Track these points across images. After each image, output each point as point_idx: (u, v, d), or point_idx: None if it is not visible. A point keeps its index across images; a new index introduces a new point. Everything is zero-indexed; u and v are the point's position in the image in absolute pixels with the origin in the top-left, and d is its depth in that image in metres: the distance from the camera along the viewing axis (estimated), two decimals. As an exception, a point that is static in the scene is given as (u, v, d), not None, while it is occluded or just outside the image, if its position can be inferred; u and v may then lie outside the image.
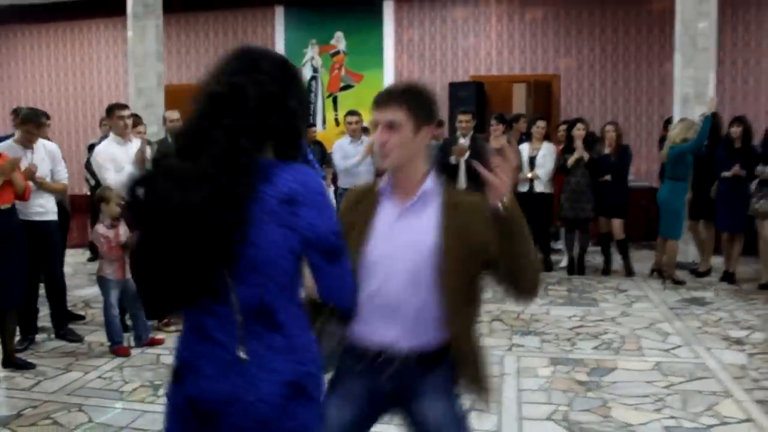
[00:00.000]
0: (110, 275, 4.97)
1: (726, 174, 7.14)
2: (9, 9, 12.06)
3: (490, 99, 10.90)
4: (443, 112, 10.60)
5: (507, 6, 10.99)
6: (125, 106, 5.72)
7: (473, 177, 6.88)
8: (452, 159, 7.03)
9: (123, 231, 4.98)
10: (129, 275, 4.94)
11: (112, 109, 5.66)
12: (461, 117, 7.30)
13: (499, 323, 5.71)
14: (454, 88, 10.68)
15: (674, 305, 6.36)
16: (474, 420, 3.63)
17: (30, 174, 4.87)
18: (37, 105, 11.55)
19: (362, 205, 2.10)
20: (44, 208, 5.15)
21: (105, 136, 7.59)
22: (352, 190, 2.23)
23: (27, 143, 5.05)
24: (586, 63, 10.83)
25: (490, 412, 3.80)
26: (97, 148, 5.74)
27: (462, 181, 7.01)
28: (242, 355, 1.56)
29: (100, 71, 12.19)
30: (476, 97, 10.49)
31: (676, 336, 5.40)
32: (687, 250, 7.96)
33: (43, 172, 5.07)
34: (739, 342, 5.26)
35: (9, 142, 5.12)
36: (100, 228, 5.01)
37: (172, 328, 5.44)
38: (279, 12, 11.56)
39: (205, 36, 11.79)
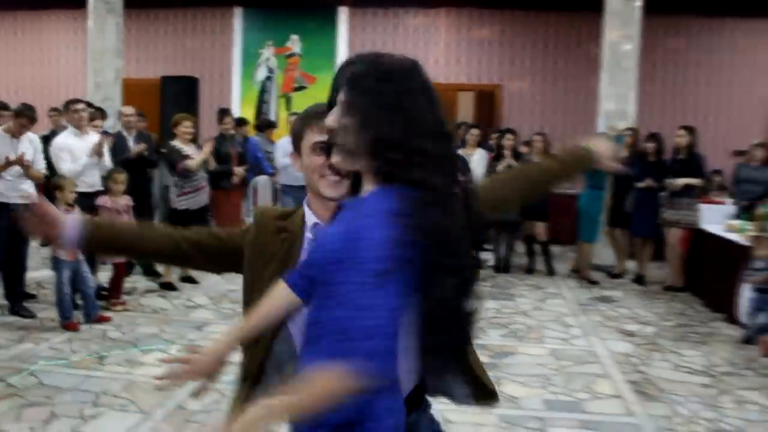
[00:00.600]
0: (63, 257, 5.40)
1: (640, 185, 7.83)
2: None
3: (436, 105, 11.49)
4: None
5: (456, 18, 11.60)
6: (80, 101, 6.17)
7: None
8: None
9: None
10: (81, 257, 5.40)
11: (69, 104, 6.12)
12: None
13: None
14: (402, 93, 11.22)
15: (584, 302, 7.01)
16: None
17: (20, 162, 5.35)
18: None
19: (283, 237, 1.78)
20: (27, 192, 5.59)
21: (55, 128, 8.01)
22: (268, 215, 1.86)
23: (17, 134, 5.54)
24: (529, 75, 11.50)
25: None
26: (56, 139, 6.18)
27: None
28: None
29: (59, 62, 12.46)
30: (422, 103, 11.04)
31: (577, 328, 6.04)
32: (605, 253, 8.63)
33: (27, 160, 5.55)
34: (631, 334, 5.92)
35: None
36: None
37: (119, 307, 5.91)
38: (238, 12, 11.98)
39: (164, 33, 12.15)
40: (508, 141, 8.13)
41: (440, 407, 3.90)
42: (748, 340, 5.80)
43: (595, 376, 4.82)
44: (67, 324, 5.36)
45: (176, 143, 6.86)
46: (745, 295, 6.03)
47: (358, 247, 1.35)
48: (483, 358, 4.89)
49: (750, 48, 11.27)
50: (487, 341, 5.50)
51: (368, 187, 1.49)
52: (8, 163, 5.39)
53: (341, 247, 1.37)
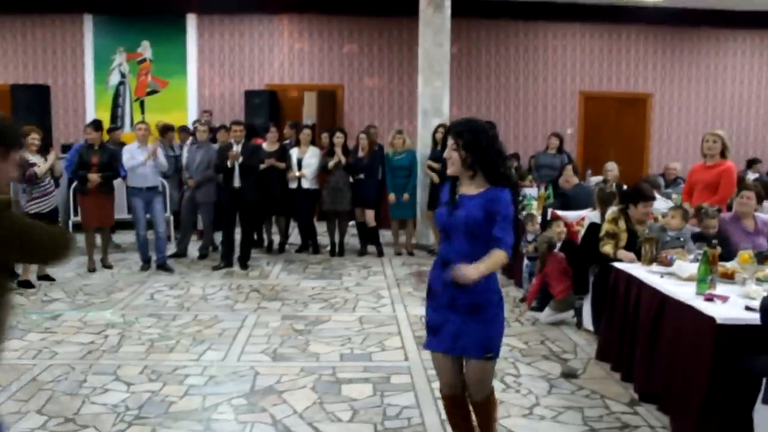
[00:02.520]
0: None
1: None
2: None
3: (282, 105, 12.45)
4: (240, 118, 12.04)
5: (297, 22, 12.56)
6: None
7: (246, 177, 8.35)
8: (228, 163, 8.39)
9: None
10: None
11: None
12: (234, 127, 8.61)
13: (255, 293, 7.27)
14: (250, 95, 12.12)
15: (401, 277, 8.20)
16: (205, 354, 5.14)
17: None
18: None
19: None
20: None
21: None
22: None
23: None
24: (366, 74, 12.65)
25: (220, 351, 5.35)
26: None
27: (237, 181, 8.40)
28: None
29: None
30: (269, 104, 11.99)
31: (387, 299, 7.19)
32: (428, 233, 9.90)
33: None
34: (431, 300, 7.12)
35: None
36: None
37: None
38: (88, 19, 12.41)
39: (13, 38, 12.39)
40: (338, 139, 9.18)
41: (252, 363, 4.91)
42: (523, 299, 7.15)
43: (388, 334, 5.96)
44: None
45: (23, 153, 7.47)
46: (524, 262, 7.40)
47: (503, 205, 3.11)
48: (299, 326, 5.96)
49: (558, 48, 12.92)
50: (306, 313, 6.55)
51: (475, 182, 3.17)
52: None
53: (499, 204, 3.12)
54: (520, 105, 13.01)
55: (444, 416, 3.77)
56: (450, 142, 3.17)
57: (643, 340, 4.60)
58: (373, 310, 6.75)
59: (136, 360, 5.25)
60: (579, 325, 6.20)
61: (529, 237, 7.18)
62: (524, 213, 7.60)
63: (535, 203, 8.33)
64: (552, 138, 10.40)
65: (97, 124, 8.60)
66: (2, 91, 11.64)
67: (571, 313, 6.35)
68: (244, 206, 8.41)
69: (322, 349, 5.55)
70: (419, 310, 6.74)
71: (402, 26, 12.33)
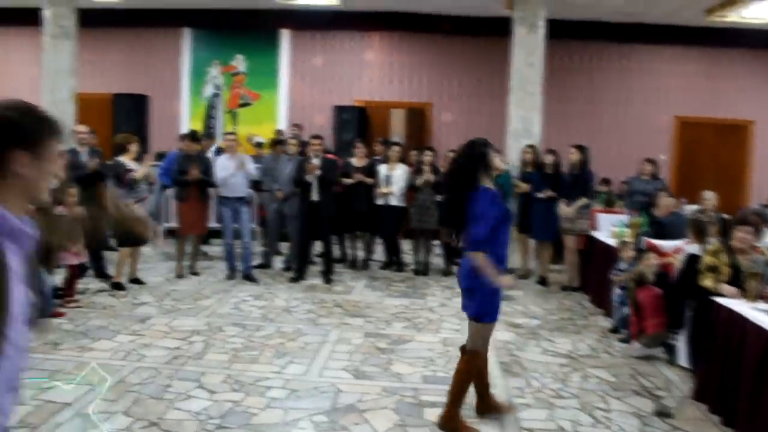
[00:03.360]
0: None
1: (539, 195, 8.91)
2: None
3: (371, 122, 12.50)
4: (329, 132, 12.18)
5: (388, 40, 12.63)
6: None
7: (324, 191, 8.40)
8: (307, 176, 8.45)
9: None
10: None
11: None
12: (313, 141, 8.63)
13: (338, 308, 7.25)
14: (340, 110, 12.23)
15: (485, 299, 8.02)
16: (287, 367, 5.14)
17: None
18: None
19: None
20: None
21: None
22: None
23: None
24: (455, 93, 12.59)
25: (303, 364, 5.33)
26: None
27: (315, 195, 8.46)
28: None
29: (15, 78, 13.13)
30: (358, 120, 12.08)
31: (471, 320, 7.03)
32: (513, 256, 9.69)
33: None
34: (517, 326, 6.95)
35: None
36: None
37: (72, 304, 6.76)
38: (186, 33, 12.85)
39: (117, 51, 12.93)
40: (427, 157, 9.12)
41: (333, 380, 4.87)
42: (614, 330, 6.88)
43: (472, 357, 5.82)
44: None
45: (122, 159, 7.72)
46: (614, 291, 7.13)
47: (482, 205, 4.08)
48: (381, 344, 5.89)
49: (653, 71, 12.53)
50: (389, 332, 6.48)
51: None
52: None
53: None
54: (612, 129, 12.68)
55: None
56: None
57: (748, 382, 4.32)
58: (457, 332, 6.62)
59: (220, 368, 5.29)
60: (672, 361, 5.90)
61: (622, 266, 6.91)
62: (617, 241, 7.34)
63: (627, 230, 8.04)
64: (646, 164, 10.04)
65: (193, 135, 8.82)
66: (105, 99, 12.12)
67: (660, 348, 6.06)
68: (321, 220, 8.46)
69: (404, 369, 5.46)
70: (504, 335, 6.59)
71: (493, 46, 12.21)
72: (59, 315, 6.46)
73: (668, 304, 6.04)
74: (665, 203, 7.90)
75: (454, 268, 9.30)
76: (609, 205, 10.19)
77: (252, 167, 8.57)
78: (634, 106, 12.64)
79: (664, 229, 7.63)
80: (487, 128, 12.42)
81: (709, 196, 8.60)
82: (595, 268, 8.32)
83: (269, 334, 6.23)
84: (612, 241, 7.92)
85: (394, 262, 9.52)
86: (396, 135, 12.46)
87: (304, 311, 7.12)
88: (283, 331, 6.37)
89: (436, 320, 7.02)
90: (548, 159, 8.97)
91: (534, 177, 9.02)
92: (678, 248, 6.84)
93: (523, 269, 9.36)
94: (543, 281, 8.99)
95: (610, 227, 8.58)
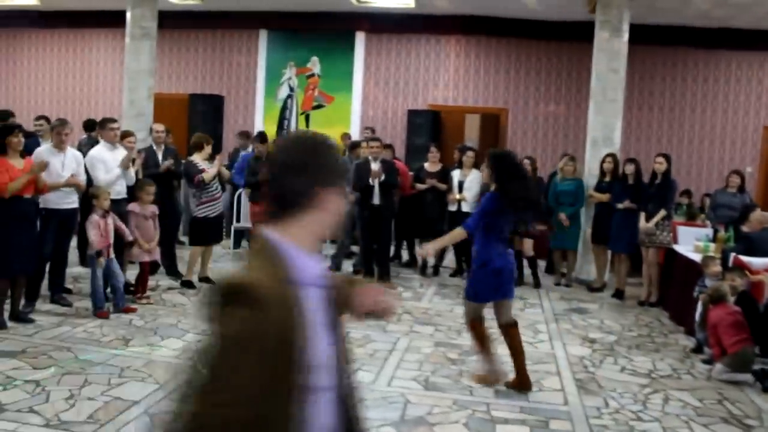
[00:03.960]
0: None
1: (619, 206, 8.57)
2: (17, 12, 13.25)
3: (444, 127, 12.33)
4: (401, 137, 12.08)
5: (464, 43, 12.43)
6: (114, 120, 7.14)
7: (385, 194, 8.31)
8: (371, 180, 8.35)
9: (110, 221, 6.37)
10: (112, 255, 6.34)
11: (105, 122, 7.09)
12: (372, 144, 8.54)
13: (407, 315, 7.10)
14: (413, 115, 12.10)
15: (559, 312, 7.76)
16: (358, 374, 5.02)
17: (74, 183, 6.38)
18: (38, 105, 12.94)
19: None
20: (71, 199, 6.53)
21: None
22: None
23: (61, 148, 6.44)
24: (531, 99, 12.29)
25: (371, 372, 5.21)
26: (92, 152, 7.09)
27: (377, 198, 8.40)
28: None
29: (99, 77, 13.49)
30: (432, 124, 11.92)
31: (545, 334, 6.80)
32: (589, 268, 9.37)
33: (70, 172, 6.43)
34: (592, 341, 6.66)
35: (47, 146, 6.53)
36: (94, 218, 6.34)
37: (144, 301, 6.82)
38: (263, 35, 12.93)
39: (194, 51, 13.13)
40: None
41: (402, 390, 4.73)
42: (697, 349, 6.52)
43: (547, 373, 5.59)
44: (99, 313, 6.27)
45: (194, 158, 7.76)
46: (698, 308, 6.76)
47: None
48: (452, 354, 5.71)
49: (741, 78, 11.97)
50: (460, 342, 6.29)
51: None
52: (65, 184, 6.31)
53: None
54: (695, 138, 12.14)
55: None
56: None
57: None
58: (530, 345, 6.38)
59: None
60: (765, 388, 5.51)
61: (707, 282, 6.54)
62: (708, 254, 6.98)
63: (712, 245, 7.65)
64: (733, 176, 9.55)
65: (262, 137, 8.84)
66: (182, 100, 12.31)
67: (749, 375, 5.67)
68: (383, 223, 8.46)
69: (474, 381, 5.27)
70: (579, 350, 6.32)
71: (572, 51, 11.89)
72: (131, 310, 6.52)
73: (759, 326, 5.67)
74: (757, 218, 7.47)
75: (526, 278, 9.06)
76: (690, 218, 9.76)
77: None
78: (718, 115, 12.08)
79: (753, 244, 7.21)
80: (564, 136, 12.14)
81: (802, 212, 8.10)
82: (675, 283, 7.95)
83: (337, 339, 6.13)
84: (695, 256, 7.56)
85: (464, 269, 9.33)
86: (469, 141, 12.25)
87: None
88: (351, 336, 6.25)
89: (508, 332, 6.79)
90: (629, 169, 8.63)
91: (615, 187, 8.68)
92: (770, 266, 6.45)
93: (599, 282, 9.02)
94: (620, 294, 8.65)
95: (693, 241, 8.21)
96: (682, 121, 12.12)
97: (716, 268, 6.55)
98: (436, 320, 7.01)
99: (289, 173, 1.55)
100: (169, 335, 5.95)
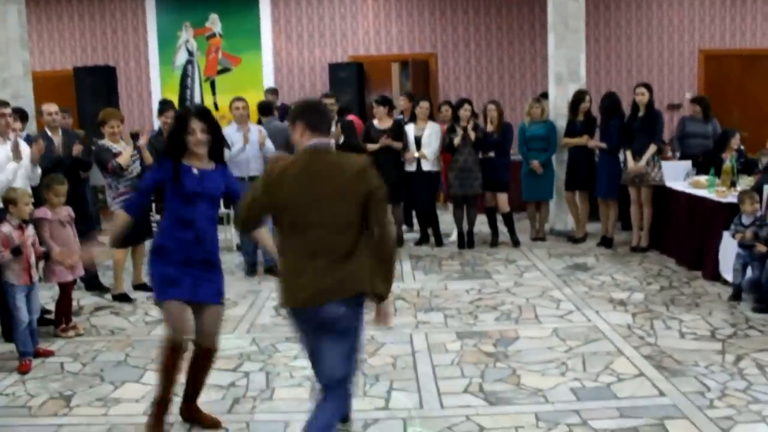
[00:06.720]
0: (15, 280, 4.64)
1: (600, 146, 7.69)
2: None
3: (369, 79, 11.03)
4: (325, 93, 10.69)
5: (382, -14, 11.12)
6: (6, 104, 5.42)
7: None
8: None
9: (30, 233, 4.73)
10: (35, 278, 4.72)
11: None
12: (326, 101, 7.22)
13: (401, 302, 5.88)
14: (334, 69, 10.74)
15: (561, 272, 6.76)
16: (395, 400, 3.80)
17: None
18: None
19: None
20: None
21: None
22: None
23: None
24: (462, 41, 11.17)
25: (409, 390, 3.98)
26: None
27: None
28: None
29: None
30: (356, 78, 10.61)
31: (567, 302, 5.77)
32: (565, 218, 8.45)
33: None
34: (622, 303, 5.69)
35: None
36: (5, 228, 4.66)
37: (71, 332, 5.22)
38: (149, -6, 11.12)
39: (69, 20, 11.16)
40: (465, 112, 7.74)
41: (463, 410, 3.54)
42: (735, 297, 5.69)
43: (608, 354, 4.55)
44: (22, 365, 4.54)
45: (104, 142, 6.16)
46: (729, 251, 5.91)
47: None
48: (486, 347, 4.56)
49: (673, 2, 11.32)
50: (483, 327, 5.16)
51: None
52: None
53: None
54: (632, 68, 11.42)
55: None
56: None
57: None
58: (562, 319, 5.33)
59: (304, 411, 3.88)
60: None
61: (745, 220, 5.68)
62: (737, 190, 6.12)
63: (717, 179, 6.81)
64: (694, 105, 8.80)
65: (168, 105, 7.42)
66: (66, 76, 10.43)
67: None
68: None
69: (539, 381, 4.13)
70: (618, 317, 5.33)
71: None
72: (48, 353, 4.85)
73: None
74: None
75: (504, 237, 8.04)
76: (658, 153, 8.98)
77: (270, 143, 7.08)
78: (653, 42, 11.41)
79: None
80: (514, 76, 11.15)
81: None
82: (677, 225, 7.11)
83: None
84: (696, 192, 6.75)
85: (429, 235, 8.19)
86: (403, 92, 11.03)
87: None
88: (360, 342, 4.97)
89: (526, 305, 5.71)
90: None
91: (611, 126, 7.68)
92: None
93: (580, 231, 8.10)
94: (608, 243, 7.77)
95: (682, 177, 7.43)
96: (618, 51, 11.37)
97: (754, 204, 5.69)
98: (437, 303, 5.82)
99: None
100: (122, 379, 4.36)
